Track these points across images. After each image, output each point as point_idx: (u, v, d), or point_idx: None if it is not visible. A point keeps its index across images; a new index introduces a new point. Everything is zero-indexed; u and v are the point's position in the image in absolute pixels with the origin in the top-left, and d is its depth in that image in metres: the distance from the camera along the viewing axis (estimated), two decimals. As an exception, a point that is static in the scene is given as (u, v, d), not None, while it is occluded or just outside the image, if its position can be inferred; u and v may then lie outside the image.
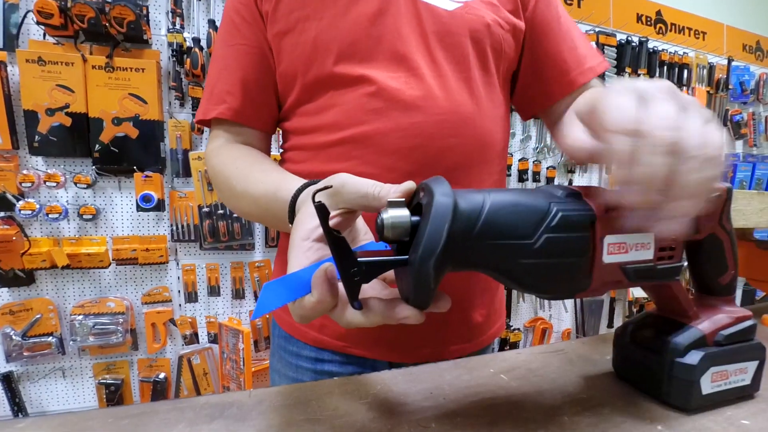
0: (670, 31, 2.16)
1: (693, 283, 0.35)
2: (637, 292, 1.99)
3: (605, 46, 1.90)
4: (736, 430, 0.29)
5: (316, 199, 0.24)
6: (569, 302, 2.04)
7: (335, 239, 0.24)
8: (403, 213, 0.25)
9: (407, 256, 0.24)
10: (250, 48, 0.53)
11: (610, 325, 2.08)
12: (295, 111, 0.53)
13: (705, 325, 0.31)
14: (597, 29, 1.93)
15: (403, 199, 0.26)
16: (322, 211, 0.23)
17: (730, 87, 2.31)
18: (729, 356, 0.30)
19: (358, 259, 0.24)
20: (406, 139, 0.47)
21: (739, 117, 2.39)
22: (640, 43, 2.00)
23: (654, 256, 0.28)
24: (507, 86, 0.58)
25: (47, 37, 1.26)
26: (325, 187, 0.25)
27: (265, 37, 0.52)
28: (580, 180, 2.01)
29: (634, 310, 2.09)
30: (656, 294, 0.33)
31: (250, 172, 0.48)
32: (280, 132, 0.59)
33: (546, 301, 1.96)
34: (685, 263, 0.33)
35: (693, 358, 0.29)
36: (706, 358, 0.29)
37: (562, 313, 2.04)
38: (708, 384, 0.30)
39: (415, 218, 0.25)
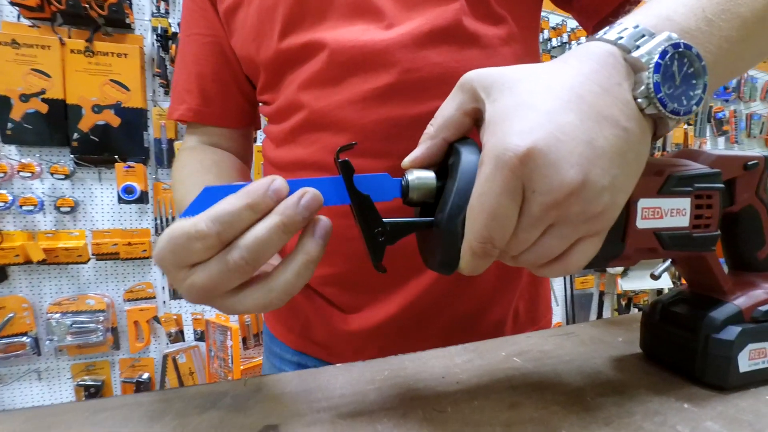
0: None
1: (728, 258, 0.34)
2: (626, 285, 2.01)
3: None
4: (768, 409, 0.27)
5: (341, 157, 0.23)
6: (560, 295, 2.06)
7: (360, 198, 0.23)
8: (429, 174, 0.24)
9: (433, 218, 0.23)
10: (204, 38, 0.49)
11: (599, 317, 2.10)
12: (261, 96, 0.47)
13: (741, 300, 0.29)
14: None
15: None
16: (346, 167, 0.23)
17: (713, 85, 2.38)
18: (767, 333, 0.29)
19: (384, 219, 0.23)
20: (368, 111, 0.38)
21: (722, 114, 2.46)
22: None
23: (690, 224, 0.27)
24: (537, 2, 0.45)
25: (22, 18, 1.20)
26: (351, 144, 0.23)
27: (219, 21, 0.47)
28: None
29: (623, 303, 2.11)
30: (689, 268, 0.32)
31: (188, 183, 0.45)
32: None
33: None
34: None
35: (730, 333, 0.28)
36: (743, 334, 0.28)
37: (552, 306, 2.05)
38: (746, 361, 0.29)
39: (441, 181, 0.24)
